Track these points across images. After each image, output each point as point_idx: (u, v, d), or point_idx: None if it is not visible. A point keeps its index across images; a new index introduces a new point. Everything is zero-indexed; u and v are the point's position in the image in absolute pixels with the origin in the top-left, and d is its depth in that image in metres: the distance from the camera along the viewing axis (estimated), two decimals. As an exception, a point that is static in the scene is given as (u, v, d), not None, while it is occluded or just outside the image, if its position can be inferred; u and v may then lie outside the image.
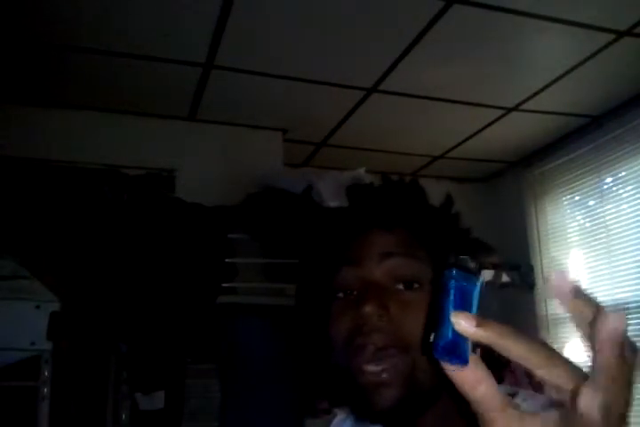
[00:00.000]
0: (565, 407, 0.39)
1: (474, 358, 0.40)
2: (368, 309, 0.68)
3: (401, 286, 0.71)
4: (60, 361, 2.15)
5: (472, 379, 0.40)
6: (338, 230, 0.79)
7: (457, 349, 0.40)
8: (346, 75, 2.62)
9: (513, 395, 0.71)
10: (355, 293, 0.73)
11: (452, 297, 0.41)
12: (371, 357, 0.68)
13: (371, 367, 0.67)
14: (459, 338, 0.40)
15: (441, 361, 0.40)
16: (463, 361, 0.40)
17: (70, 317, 2.15)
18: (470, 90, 2.77)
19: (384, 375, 0.67)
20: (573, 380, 0.39)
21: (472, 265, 0.45)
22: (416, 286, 0.71)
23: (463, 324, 0.39)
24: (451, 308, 0.41)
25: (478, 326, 0.39)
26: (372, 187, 0.82)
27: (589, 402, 0.37)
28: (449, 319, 0.40)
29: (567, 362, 0.40)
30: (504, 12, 2.16)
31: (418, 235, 0.75)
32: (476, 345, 0.41)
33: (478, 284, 0.42)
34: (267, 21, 2.23)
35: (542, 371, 0.39)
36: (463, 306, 0.41)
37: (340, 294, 0.74)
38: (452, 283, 0.42)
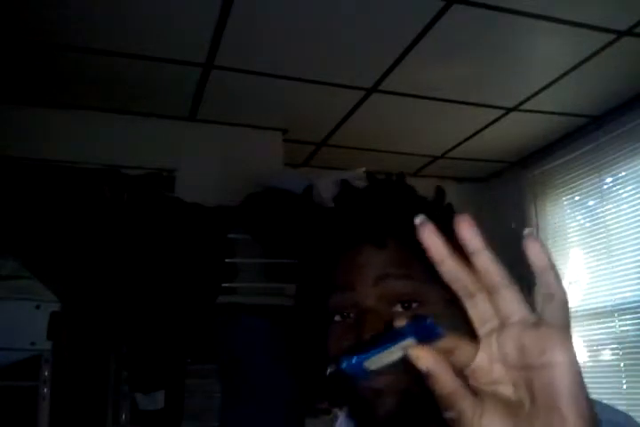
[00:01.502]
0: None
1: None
2: (367, 338, 0.65)
3: (399, 308, 0.68)
4: (60, 361, 2.15)
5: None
6: (325, 248, 0.74)
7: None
8: (346, 75, 2.62)
9: None
10: (351, 315, 0.70)
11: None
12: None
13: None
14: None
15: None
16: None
17: (70, 317, 2.15)
18: (470, 90, 2.77)
19: (385, 384, 0.66)
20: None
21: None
22: (415, 305, 0.68)
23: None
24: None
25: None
26: (358, 194, 0.76)
27: (554, 311, 0.41)
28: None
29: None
30: (504, 12, 2.16)
31: (412, 249, 0.68)
32: None
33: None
34: (267, 21, 2.23)
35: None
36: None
37: (337, 318, 0.71)
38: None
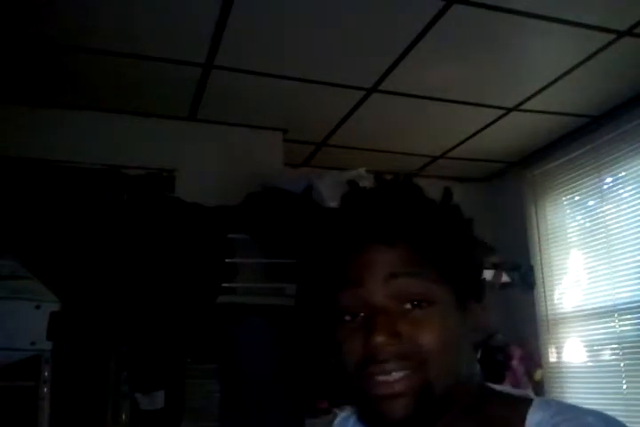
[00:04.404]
0: None
1: None
2: (379, 339, 0.66)
3: (409, 306, 0.69)
4: (60, 361, 2.15)
5: None
6: (334, 246, 0.74)
7: None
8: (346, 75, 2.62)
9: (524, 400, 0.71)
10: (361, 314, 0.70)
11: None
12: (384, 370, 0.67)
13: (383, 377, 0.66)
14: None
15: None
16: None
17: (70, 317, 2.15)
18: (470, 90, 2.77)
19: (396, 387, 0.66)
20: None
21: None
22: (424, 304, 0.69)
23: None
24: None
25: None
26: (367, 194, 0.76)
27: None
28: None
29: None
30: (504, 12, 2.16)
31: (423, 249, 0.70)
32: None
33: None
34: (267, 21, 2.23)
35: None
36: None
37: (347, 317, 0.71)
38: None
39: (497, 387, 0.76)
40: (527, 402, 0.70)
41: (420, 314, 0.68)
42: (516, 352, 3.20)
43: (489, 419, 0.71)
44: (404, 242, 0.70)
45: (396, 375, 0.66)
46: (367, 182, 0.79)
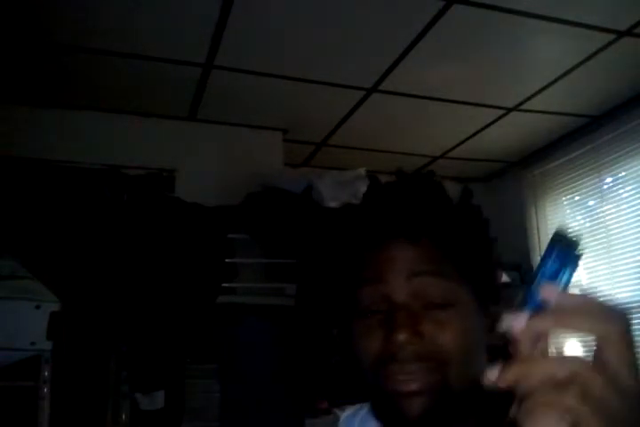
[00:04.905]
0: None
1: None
2: (401, 338, 0.65)
3: (429, 305, 0.68)
4: (60, 361, 2.15)
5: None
6: (356, 241, 0.73)
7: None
8: (346, 75, 2.62)
9: None
10: (381, 311, 0.69)
11: (551, 259, 0.50)
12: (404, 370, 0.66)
13: (402, 376, 0.66)
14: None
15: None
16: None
17: (70, 317, 2.15)
18: (470, 90, 2.77)
19: (414, 385, 0.65)
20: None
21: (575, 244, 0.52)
22: (445, 304, 0.68)
23: (547, 294, 0.48)
24: (547, 269, 0.50)
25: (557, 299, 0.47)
26: (390, 189, 0.75)
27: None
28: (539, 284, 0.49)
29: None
30: (504, 12, 2.16)
31: (445, 247, 0.69)
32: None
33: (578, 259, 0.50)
34: (267, 21, 2.23)
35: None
36: (557, 271, 0.50)
37: (365, 313, 0.70)
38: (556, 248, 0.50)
39: None
40: None
41: (440, 314, 0.67)
42: (516, 352, 3.19)
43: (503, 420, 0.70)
44: (427, 240, 0.69)
45: (414, 375, 0.66)
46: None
